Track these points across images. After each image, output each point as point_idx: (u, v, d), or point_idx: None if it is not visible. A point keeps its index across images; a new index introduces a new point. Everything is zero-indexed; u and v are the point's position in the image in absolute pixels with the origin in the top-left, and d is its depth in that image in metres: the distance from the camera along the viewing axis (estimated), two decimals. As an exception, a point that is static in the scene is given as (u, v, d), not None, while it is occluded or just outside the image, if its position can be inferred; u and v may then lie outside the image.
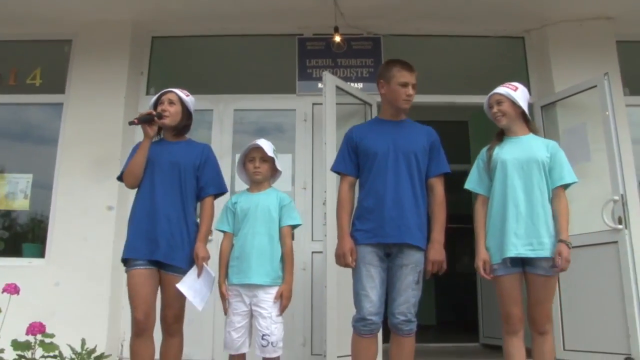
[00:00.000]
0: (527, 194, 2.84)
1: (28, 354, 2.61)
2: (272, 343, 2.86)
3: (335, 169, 3.06)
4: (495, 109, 2.99)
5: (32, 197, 4.82)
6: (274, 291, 2.92)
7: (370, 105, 4.69)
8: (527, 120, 3.04)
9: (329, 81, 4.29)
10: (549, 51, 4.81)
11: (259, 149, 3.04)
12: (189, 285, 2.85)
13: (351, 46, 4.95)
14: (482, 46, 5.13)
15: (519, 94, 3.00)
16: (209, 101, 4.90)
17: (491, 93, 3.05)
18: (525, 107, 3.01)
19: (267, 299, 2.90)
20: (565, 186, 2.91)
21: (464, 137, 6.87)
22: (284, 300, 2.93)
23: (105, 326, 4.28)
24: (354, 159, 3.00)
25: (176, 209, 2.96)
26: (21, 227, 4.93)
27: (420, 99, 4.74)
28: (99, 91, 4.77)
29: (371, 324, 2.80)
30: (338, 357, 3.87)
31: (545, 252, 2.77)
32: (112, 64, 4.83)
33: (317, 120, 4.78)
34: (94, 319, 4.25)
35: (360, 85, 4.88)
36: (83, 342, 2.76)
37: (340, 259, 2.86)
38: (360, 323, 2.82)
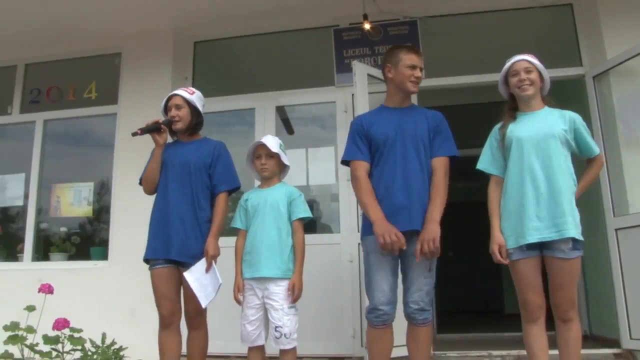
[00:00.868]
0: (546, 172, 2.67)
1: (58, 347, 2.82)
2: (284, 335, 2.90)
3: (348, 157, 3.00)
4: (523, 76, 2.79)
5: (94, 203, 5.15)
6: (284, 283, 2.97)
7: (409, 91, 4.61)
8: (541, 96, 2.88)
9: (360, 70, 4.25)
10: (599, 17, 4.49)
11: (264, 146, 3.09)
12: (196, 277, 2.95)
13: (387, 32, 4.87)
14: (527, 19, 4.87)
15: (542, 66, 2.85)
16: (251, 100, 5.00)
17: (516, 59, 2.86)
18: (547, 81, 2.86)
19: (278, 291, 2.95)
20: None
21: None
22: (295, 291, 2.95)
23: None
24: (366, 145, 2.96)
25: (188, 208, 3.07)
26: (87, 232, 5.27)
27: (472, 79, 4.71)
28: (146, 98, 4.96)
29: (383, 314, 2.78)
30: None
31: (569, 232, 2.59)
32: (156, 72, 5.04)
33: (357, 110, 4.75)
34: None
35: (398, 71, 4.79)
36: (103, 336, 2.93)
37: (386, 240, 2.68)
38: (372, 314, 2.81)
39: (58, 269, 4.95)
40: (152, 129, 3.13)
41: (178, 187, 3.09)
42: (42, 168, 5.26)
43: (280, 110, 5.06)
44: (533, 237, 2.64)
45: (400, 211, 2.79)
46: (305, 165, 4.80)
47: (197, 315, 3.06)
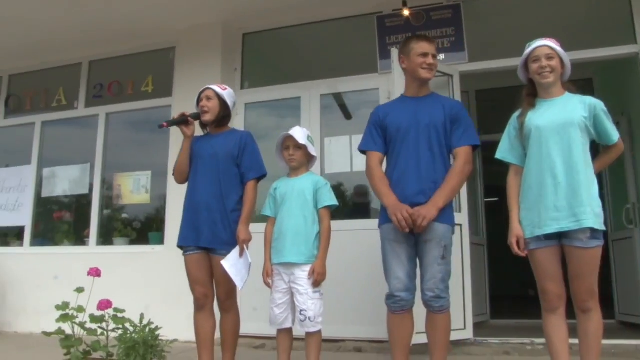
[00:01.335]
0: (565, 161, 2.60)
1: (103, 326, 3.06)
2: (309, 318, 3.00)
3: (362, 147, 3.09)
4: (545, 63, 2.71)
5: (151, 191, 5.45)
6: (309, 269, 3.05)
7: (451, 76, 4.56)
8: (562, 81, 2.80)
9: (397, 57, 4.25)
10: (655, -9, 4.29)
11: (291, 137, 3.20)
12: (232, 264, 3.08)
13: (430, 17, 4.82)
14: None
15: (564, 52, 2.78)
16: (297, 89, 5.12)
17: (538, 44, 2.77)
18: (569, 67, 2.78)
19: (303, 276, 3.05)
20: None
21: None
22: (315, 276, 3.03)
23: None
24: (381, 135, 3.03)
25: (217, 198, 3.21)
26: (146, 218, 5.59)
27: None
28: (198, 90, 5.16)
29: (400, 300, 2.84)
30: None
31: (588, 222, 2.52)
32: (207, 64, 5.24)
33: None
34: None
35: (442, 56, 4.73)
36: (142, 316, 3.14)
37: (397, 217, 2.74)
38: (389, 300, 2.88)
39: (120, 252, 5.30)
40: (179, 122, 3.30)
41: (207, 178, 3.25)
42: (105, 158, 5.64)
43: (338, 97, 5.16)
44: (551, 228, 2.59)
45: (412, 199, 2.82)
46: (350, 151, 4.86)
47: (227, 298, 3.21)
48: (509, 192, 2.84)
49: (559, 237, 2.62)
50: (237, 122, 5.26)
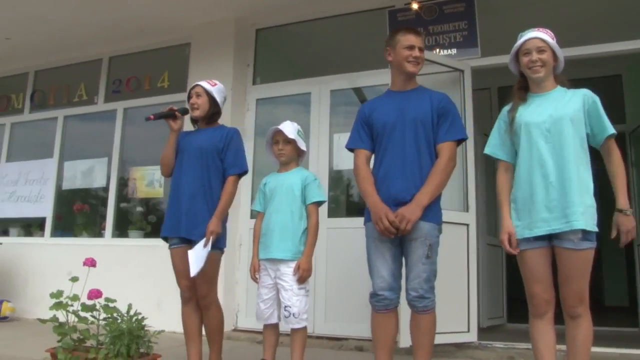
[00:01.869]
0: (556, 160, 2.47)
1: (95, 315, 3.10)
2: (293, 314, 2.98)
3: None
4: (535, 57, 2.57)
5: (165, 185, 5.50)
6: (295, 265, 3.02)
7: (462, 71, 4.43)
8: (554, 75, 2.66)
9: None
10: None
11: (281, 132, 3.17)
12: (196, 252, 3.06)
13: (443, 10, 4.70)
14: None
15: (556, 43, 2.64)
16: (307, 84, 5.10)
17: (529, 36, 2.63)
18: (562, 60, 2.65)
19: (288, 272, 3.02)
20: (613, 136, 2.51)
21: (617, 93, 6.13)
22: (301, 272, 3.00)
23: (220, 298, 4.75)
24: (368, 133, 2.96)
25: (199, 190, 3.21)
26: (161, 212, 5.66)
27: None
28: (211, 86, 5.25)
29: (383, 299, 2.77)
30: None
31: (579, 223, 2.38)
32: (220, 60, 5.27)
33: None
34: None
35: (453, 51, 4.62)
36: (129, 307, 3.16)
37: (380, 226, 2.71)
38: (373, 299, 2.82)
39: (134, 245, 5.40)
40: (166, 115, 3.33)
41: (191, 170, 3.27)
42: (122, 153, 5.74)
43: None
44: (541, 230, 2.47)
45: (396, 196, 2.76)
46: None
47: (205, 295, 3.19)
48: (498, 189, 2.73)
49: (550, 238, 2.49)
50: (248, 118, 5.29)
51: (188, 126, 3.52)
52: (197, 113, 3.36)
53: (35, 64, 6.43)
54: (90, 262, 3.36)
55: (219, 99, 3.42)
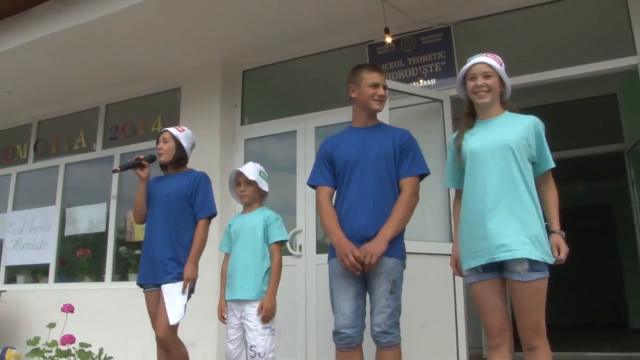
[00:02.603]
0: (499, 186, 2.42)
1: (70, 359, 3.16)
2: (259, 354, 2.99)
3: (310, 182, 3.05)
4: (480, 82, 2.55)
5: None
6: (259, 305, 3.04)
7: (441, 101, 4.42)
8: (502, 101, 2.64)
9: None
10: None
11: (242, 174, 3.22)
12: (172, 295, 3.11)
13: (421, 42, 4.72)
14: (571, 10, 4.39)
15: (504, 69, 2.62)
16: (293, 122, 5.14)
17: (474, 61, 2.61)
18: (509, 86, 2.62)
19: (253, 312, 3.05)
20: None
21: (614, 112, 6.04)
22: (264, 312, 3.02)
23: (214, 336, 4.76)
24: (330, 169, 2.98)
25: (172, 236, 3.29)
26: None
27: (541, 76, 4.38)
28: (201, 128, 5.29)
29: (346, 337, 2.74)
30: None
31: (521, 252, 2.32)
32: (209, 102, 5.38)
33: (394, 124, 4.67)
34: (205, 329, 4.75)
35: (433, 81, 4.62)
36: (100, 351, 3.19)
37: (345, 263, 2.71)
38: (335, 336, 2.79)
39: (132, 288, 5.38)
40: (133, 165, 3.41)
41: (163, 216, 3.36)
42: (119, 197, 5.85)
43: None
44: (484, 259, 2.41)
45: (358, 233, 2.76)
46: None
47: (164, 337, 3.18)
48: (453, 215, 2.75)
49: (500, 269, 2.43)
50: (238, 158, 5.34)
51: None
52: (162, 158, 3.46)
53: (38, 115, 6.66)
54: (68, 308, 3.44)
55: (185, 144, 3.51)
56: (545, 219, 2.49)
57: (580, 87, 5.46)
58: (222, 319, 3.19)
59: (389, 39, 4.50)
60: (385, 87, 2.97)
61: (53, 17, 4.69)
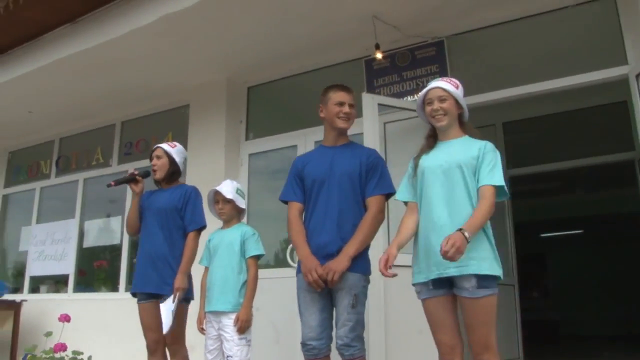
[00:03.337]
0: (448, 204, 2.50)
1: None
2: None
3: (282, 197, 3.18)
4: (436, 106, 2.64)
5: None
6: (235, 316, 3.18)
7: (433, 114, 4.48)
8: (462, 123, 2.70)
9: (368, 101, 4.27)
10: (643, 8, 3.96)
11: (219, 192, 3.35)
12: (167, 308, 3.27)
13: (415, 56, 4.79)
14: (563, 20, 4.36)
15: (460, 92, 2.69)
16: (293, 137, 5.26)
17: (430, 87, 2.73)
18: (465, 108, 2.69)
19: (229, 323, 3.18)
20: (497, 189, 2.50)
21: (625, 120, 5.94)
22: (240, 323, 3.14)
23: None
24: (300, 186, 3.10)
25: (164, 247, 3.46)
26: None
27: (504, 94, 4.43)
28: (208, 144, 5.53)
29: (312, 348, 2.85)
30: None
31: (470, 268, 2.38)
32: (214, 118, 5.57)
33: (389, 139, 4.75)
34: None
35: (426, 95, 4.68)
36: (89, 358, 3.37)
37: (308, 279, 2.82)
38: (303, 348, 2.90)
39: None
40: (128, 180, 3.59)
41: (156, 229, 3.52)
42: (133, 210, 6.08)
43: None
44: (433, 274, 2.48)
45: (322, 249, 2.88)
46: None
47: (173, 343, 3.41)
48: (399, 225, 2.73)
49: (451, 285, 2.50)
50: (242, 172, 5.51)
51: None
52: (157, 176, 3.64)
53: (60, 132, 7.01)
54: (65, 318, 3.64)
55: (178, 159, 3.69)
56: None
57: (591, 95, 5.41)
58: (201, 330, 3.34)
59: (379, 55, 4.59)
60: (351, 105, 3.08)
61: (62, 42, 4.97)
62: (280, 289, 4.48)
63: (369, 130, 4.27)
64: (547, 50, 4.45)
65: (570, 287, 11.10)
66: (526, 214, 9.87)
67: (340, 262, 2.77)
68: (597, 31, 4.34)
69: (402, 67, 4.85)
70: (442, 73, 4.65)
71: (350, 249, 2.82)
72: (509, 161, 6.25)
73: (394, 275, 2.55)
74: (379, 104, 4.35)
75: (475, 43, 4.64)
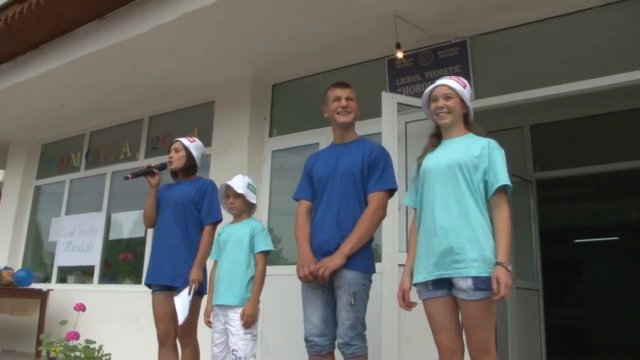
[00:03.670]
0: (448, 204, 2.46)
1: (72, 354, 3.43)
2: (239, 358, 3.13)
3: (294, 196, 3.21)
4: (441, 103, 2.61)
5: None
6: (241, 311, 3.18)
7: (455, 114, 4.42)
8: (467, 122, 2.64)
9: (387, 100, 4.24)
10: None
11: (230, 187, 3.36)
12: (182, 300, 3.31)
13: (437, 56, 4.73)
14: (592, 20, 4.27)
15: (467, 92, 2.64)
16: (316, 135, 5.25)
17: (437, 84, 2.69)
18: (471, 108, 2.64)
19: (235, 317, 3.19)
20: (505, 189, 2.44)
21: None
22: (245, 318, 3.15)
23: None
24: (310, 184, 3.13)
25: (179, 239, 3.50)
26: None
27: (530, 95, 4.33)
28: (232, 140, 5.59)
29: (314, 345, 2.87)
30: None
31: (467, 271, 2.33)
32: (239, 115, 5.62)
33: (410, 138, 4.70)
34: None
35: (449, 95, 4.61)
36: (100, 348, 3.42)
37: (299, 274, 2.90)
38: (306, 344, 2.92)
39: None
40: (144, 173, 3.64)
41: (172, 222, 3.56)
42: (158, 204, 6.18)
43: None
44: (432, 274, 2.45)
45: (322, 246, 2.89)
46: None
47: (184, 335, 3.45)
48: (407, 239, 2.77)
49: (451, 287, 2.46)
50: (265, 168, 5.54)
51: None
52: (173, 165, 3.69)
53: (90, 126, 7.18)
54: (80, 307, 3.73)
55: (195, 153, 3.74)
56: None
57: (612, 100, 5.25)
58: (208, 323, 3.37)
59: (400, 54, 4.55)
60: (348, 99, 3.09)
61: (91, 38, 5.10)
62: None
63: (387, 129, 4.25)
64: (574, 52, 4.33)
65: (605, 296, 10.81)
66: (557, 220, 9.67)
67: (333, 259, 2.78)
68: (627, 31, 4.20)
69: (424, 67, 4.79)
70: (465, 73, 4.57)
71: (346, 246, 2.82)
72: (537, 164, 6.13)
73: (415, 305, 2.61)
74: (399, 103, 4.32)
75: (499, 44, 4.56)
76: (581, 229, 11.22)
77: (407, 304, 2.62)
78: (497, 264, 2.34)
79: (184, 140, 3.74)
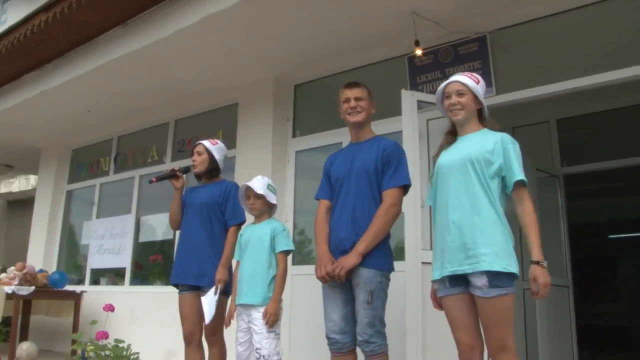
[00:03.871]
0: (462, 199, 2.45)
1: (102, 353, 3.52)
2: (263, 356, 3.16)
3: (315, 196, 3.25)
4: (454, 100, 2.61)
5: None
6: (264, 309, 3.22)
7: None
8: (481, 118, 2.62)
9: (407, 98, 4.22)
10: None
11: (250, 188, 3.41)
12: (208, 300, 3.38)
13: (458, 52, 4.68)
14: (613, 11, 4.18)
15: (480, 88, 2.62)
16: (338, 134, 5.25)
17: (450, 80, 2.69)
18: (485, 104, 2.62)
19: (258, 316, 3.23)
20: (523, 183, 2.41)
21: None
22: (268, 316, 3.18)
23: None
24: (329, 184, 3.19)
25: (204, 240, 3.57)
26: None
27: (550, 89, 4.26)
28: (257, 141, 5.65)
29: (335, 342, 2.90)
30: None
31: (482, 265, 2.31)
32: (262, 116, 5.67)
33: (432, 136, 4.67)
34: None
35: (470, 91, 4.57)
36: (128, 347, 3.50)
37: (317, 274, 2.94)
38: (328, 342, 2.95)
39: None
40: (168, 176, 3.71)
41: (197, 223, 3.63)
42: (185, 207, 6.29)
43: None
44: (446, 270, 2.45)
45: (339, 245, 2.93)
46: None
47: (211, 334, 3.53)
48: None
49: (467, 284, 2.45)
50: (289, 169, 5.58)
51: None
52: (197, 169, 3.77)
53: (117, 130, 7.35)
54: (109, 308, 3.82)
55: (217, 156, 3.79)
56: None
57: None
58: (227, 322, 3.43)
59: (419, 52, 4.53)
60: (357, 99, 3.12)
61: (114, 44, 5.21)
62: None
63: (408, 127, 4.24)
64: (597, 43, 4.24)
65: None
66: (589, 215, 9.46)
67: (349, 258, 2.81)
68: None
69: (444, 64, 4.76)
70: (485, 69, 4.53)
71: (361, 245, 2.83)
72: (564, 159, 6.02)
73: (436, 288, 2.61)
74: (419, 101, 4.30)
75: (519, 38, 4.50)
76: (615, 224, 10.95)
77: (439, 304, 2.63)
78: (532, 262, 2.34)
79: (206, 143, 3.80)
